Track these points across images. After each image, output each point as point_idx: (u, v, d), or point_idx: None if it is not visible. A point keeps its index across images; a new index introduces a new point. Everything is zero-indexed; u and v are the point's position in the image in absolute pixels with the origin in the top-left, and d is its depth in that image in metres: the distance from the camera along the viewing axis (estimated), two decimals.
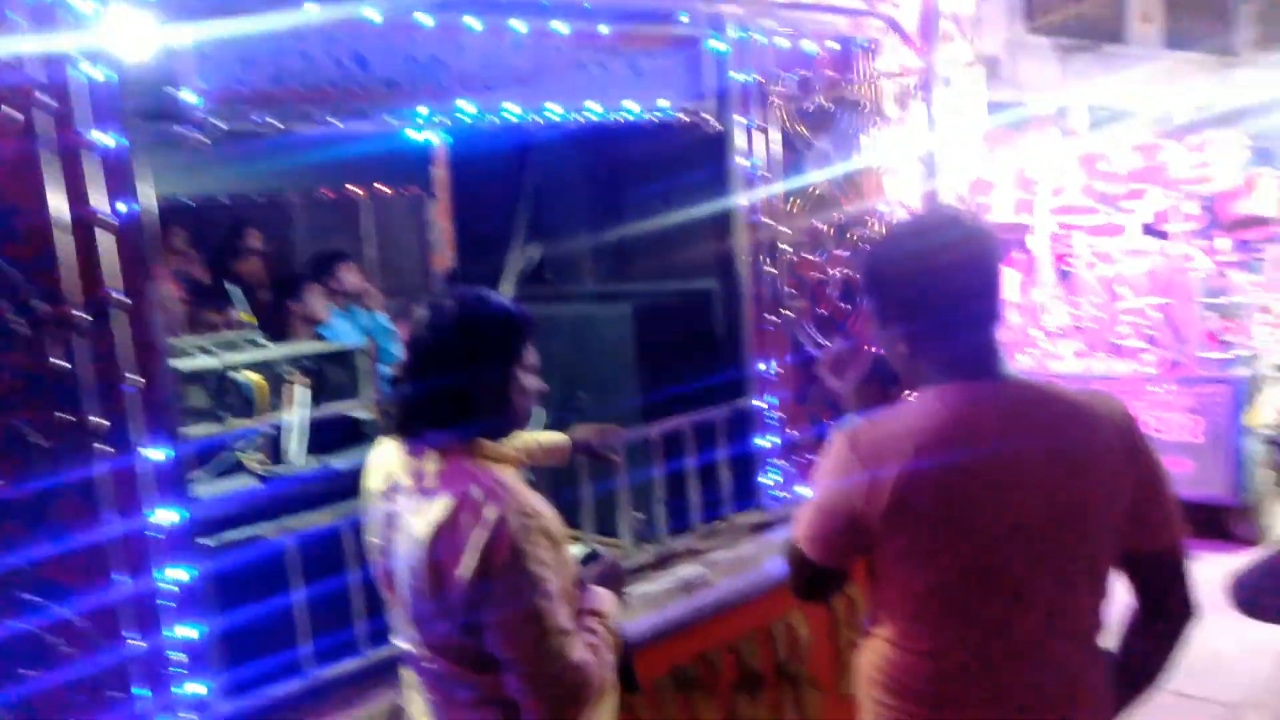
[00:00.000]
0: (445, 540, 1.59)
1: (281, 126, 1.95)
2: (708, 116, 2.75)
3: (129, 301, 1.72)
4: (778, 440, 2.97)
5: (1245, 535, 5.20)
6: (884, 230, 1.67)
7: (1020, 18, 10.77)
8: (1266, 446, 5.34)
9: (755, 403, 2.91)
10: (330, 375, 2.76)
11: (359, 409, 2.83)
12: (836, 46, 3.06)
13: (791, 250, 2.96)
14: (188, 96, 1.82)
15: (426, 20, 2.15)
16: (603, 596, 1.82)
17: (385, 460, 1.80)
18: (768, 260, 2.90)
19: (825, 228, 3.04)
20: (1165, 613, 1.54)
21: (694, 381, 2.87)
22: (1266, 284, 5.51)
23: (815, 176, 3.00)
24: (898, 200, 3.24)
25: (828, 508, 1.53)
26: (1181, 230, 5.49)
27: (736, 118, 2.81)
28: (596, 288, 3.34)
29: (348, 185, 4.22)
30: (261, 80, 1.92)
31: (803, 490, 3.02)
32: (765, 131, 2.87)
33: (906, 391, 1.63)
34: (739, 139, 2.82)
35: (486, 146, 3.45)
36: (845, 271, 3.10)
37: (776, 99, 2.89)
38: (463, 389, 1.67)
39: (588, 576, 1.86)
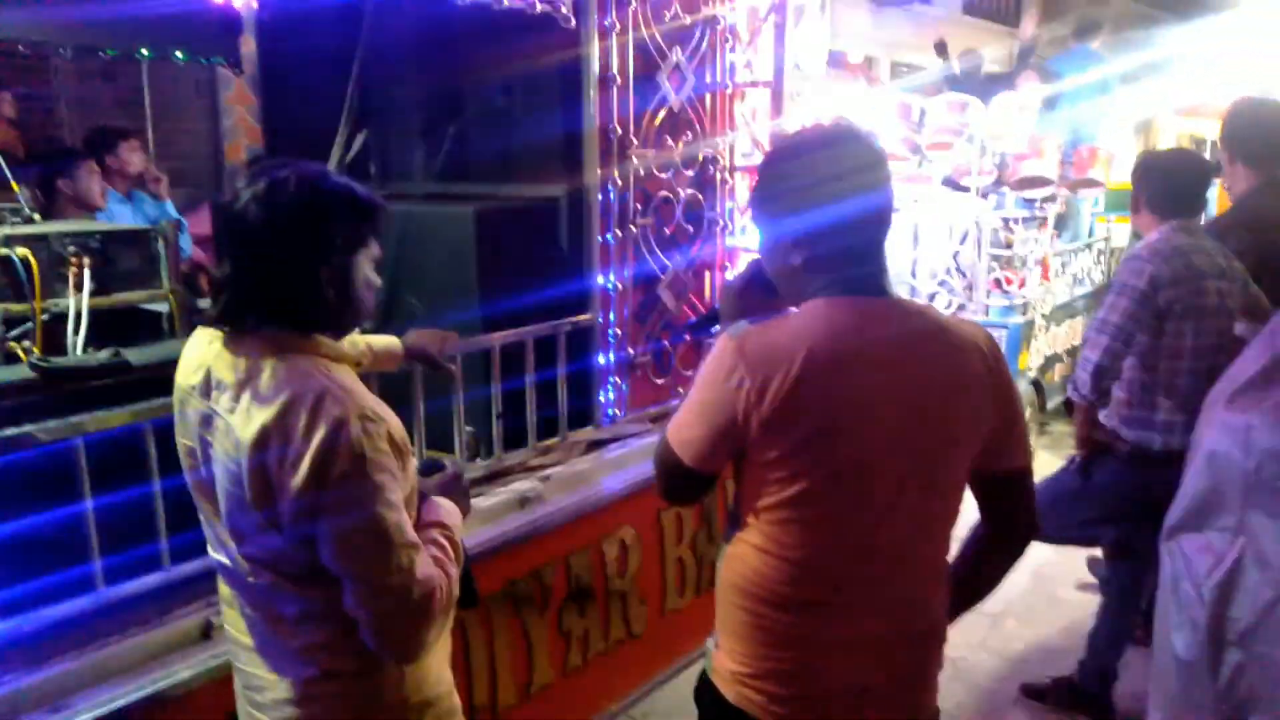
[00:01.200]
0: (276, 444, 1.42)
1: None
2: (565, 9, 2.59)
3: None
4: (616, 358, 2.93)
5: None
6: (787, 138, 1.61)
7: None
8: (1030, 387, 5.92)
9: (597, 318, 2.84)
10: (120, 260, 2.41)
11: (152, 299, 2.50)
12: None
13: (640, 165, 2.88)
14: None
15: None
16: (447, 508, 1.71)
17: (201, 353, 1.58)
18: (617, 173, 2.81)
19: (676, 145, 2.98)
20: (1012, 529, 1.64)
21: (535, 292, 2.76)
22: (1045, 239, 6.05)
23: (669, 90, 2.92)
24: (746, 126, 3.23)
25: (709, 411, 1.50)
26: (978, 184, 5.89)
27: (594, 16, 2.67)
28: (430, 187, 3.11)
29: (136, 49, 3.65)
30: None
31: (636, 413, 3.01)
32: (623, 36, 2.75)
33: (786, 302, 1.62)
34: (595, 40, 2.68)
35: (308, 16, 3.09)
36: (692, 191, 3.07)
37: (635, 2, 2.77)
38: (303, 276, 1.49)
39: (430, 487, 1.74)
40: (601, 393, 2.92)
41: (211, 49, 3.79)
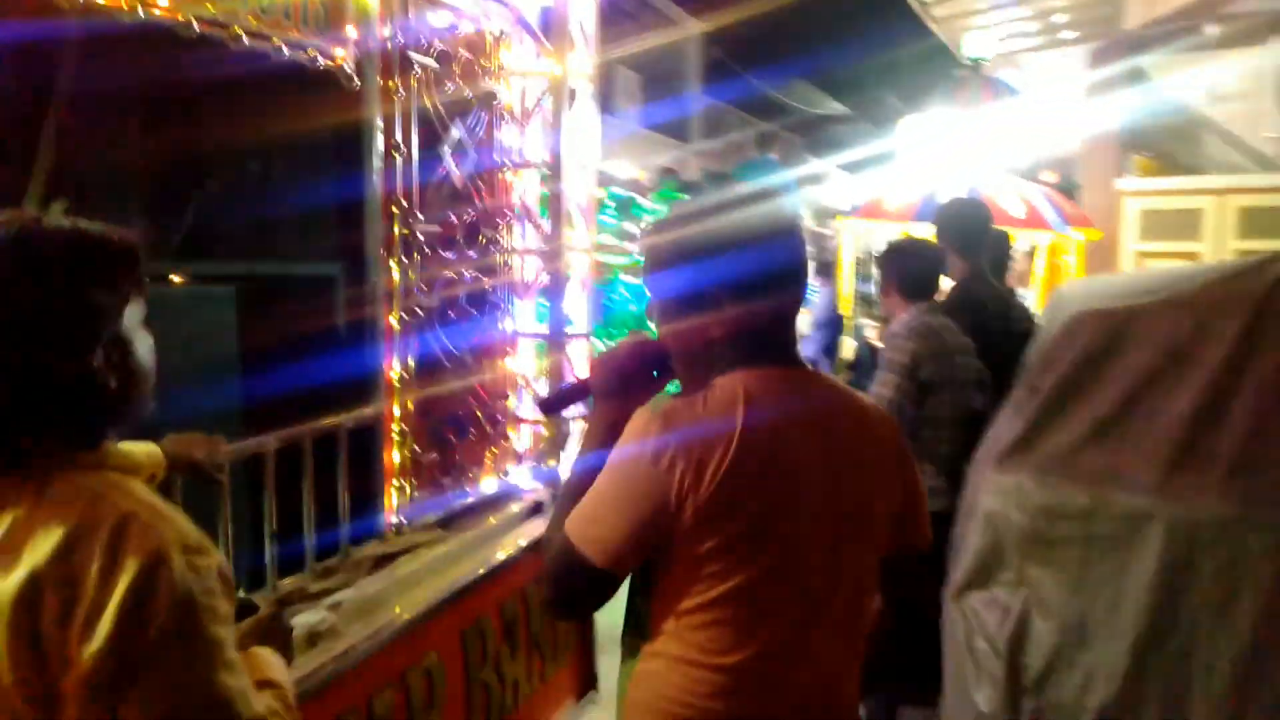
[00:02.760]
0: (54, 599, 1.00)
1: None
2: (349, 68, 2.31)
3: None
4: (401, 456, 2.58)
5: None
6: (696, 201, 1.50)
7: None
8: None
9: (381, 411, 2.49)
10: None
11: None
12: (472, 28, 2.82)
13: (425, 242, 2.62)
14: None
15: None
16: (273, 662, 1.32)
17: None
18: (401, 251, 2.52)
19: (459, 224, 2.76)
20: (914, 614, 1.57)
21: (307, 384, 2.36)
22: None
23: (451, 165, 2.71)
24: (523, 205, 3.08)
25: (630, 499, 1.29)
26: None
27: (376, 78, 2.41)
28: (163, 267, 2.58)
29: None
30: None
31: (430, 515, 2.67)
32: (405, 103, 2.51)
33: (684, 378, 1.47)
34: (378, 104, 2.42)
35: None
36: (475, 274, 2.84)
37: (419, 69, 2.55)
38: (74, 368, 1.09)
39: (245, 633, 1.35)
40: (387, 497, 2.54)
41: None
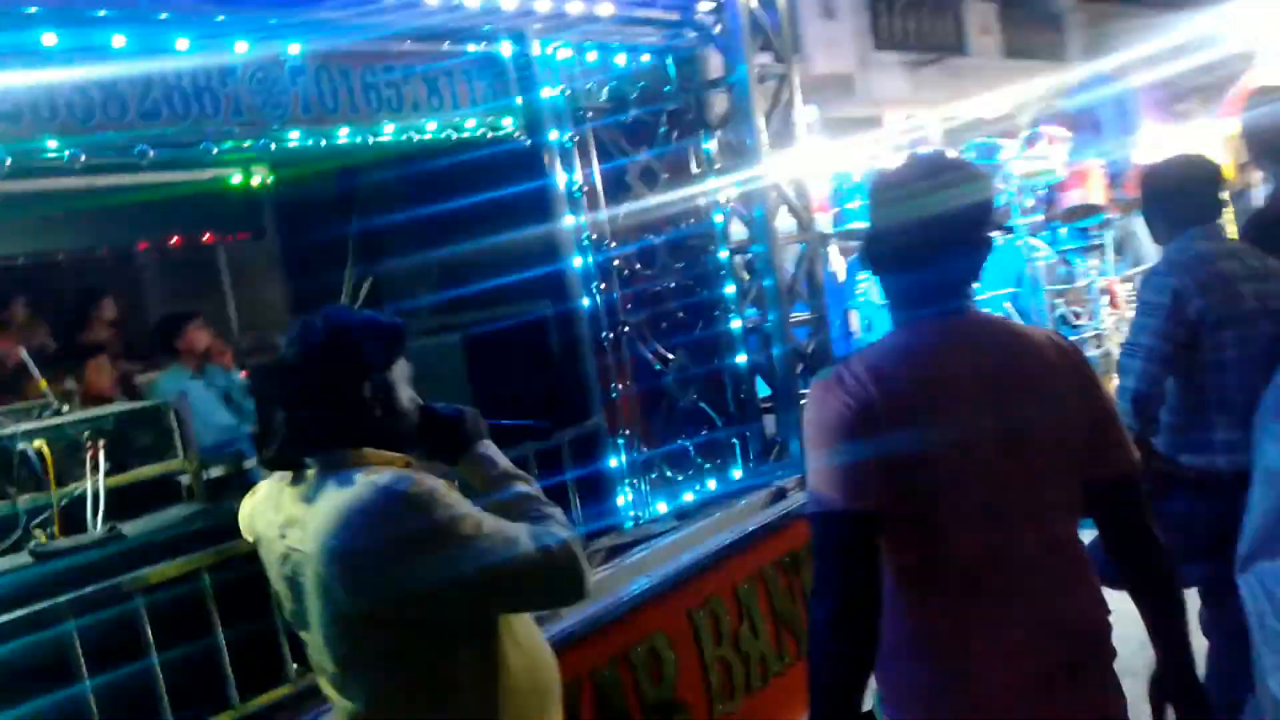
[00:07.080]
0: (349, 525, 1.45)
1: None
2: (517, 133, 2.68)
3: None
4: (629, 459, 2.89)
5: None
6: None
7: (868, 36, 11.21)
8: None
9: (600, 423, 2.83)
10: (136, 438, 2.55)
11: (173, 469, 2.63)
12: (647, 58, 3.03)
13: (625, 265, 2.90)
14: None
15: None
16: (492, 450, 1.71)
17: (270, 500, 1.66)
18: (600, 278, 2.83)
19: (657, 239, 3.00)
20: (1134, 535, 1.55)
21: (534, 408, 2.77)
22: (1106, 267, 5.77)
23: (639, 189, 2.96)
24: (731, 204, 3.23)
25: (842, 442, 1.40)
26: (1023, 222, 5.70)
27: (551, 134, 2.75)
28: (430, 320, 3.20)
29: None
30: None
31: (661, 508, 2.95)
32: (581, 146, 2.81)
33: None
34: (554, 156, 2.75)
35: (312, 182, 3.31)
36: (683, 281, 3.07)
37: (591, 113, 2.84)
38: (349, 397, 1.57)
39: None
40: (618, 496, 2.87)
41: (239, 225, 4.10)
